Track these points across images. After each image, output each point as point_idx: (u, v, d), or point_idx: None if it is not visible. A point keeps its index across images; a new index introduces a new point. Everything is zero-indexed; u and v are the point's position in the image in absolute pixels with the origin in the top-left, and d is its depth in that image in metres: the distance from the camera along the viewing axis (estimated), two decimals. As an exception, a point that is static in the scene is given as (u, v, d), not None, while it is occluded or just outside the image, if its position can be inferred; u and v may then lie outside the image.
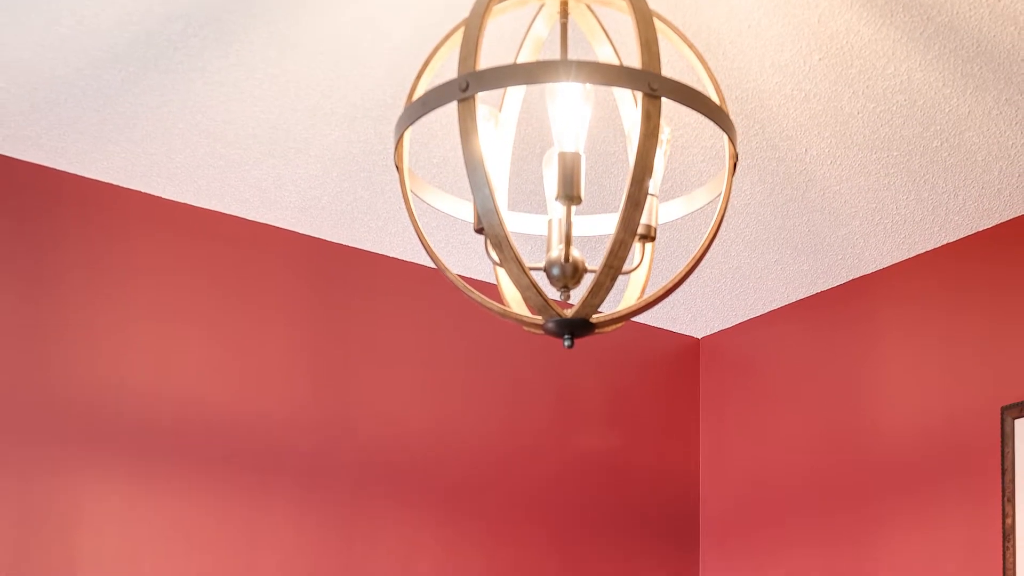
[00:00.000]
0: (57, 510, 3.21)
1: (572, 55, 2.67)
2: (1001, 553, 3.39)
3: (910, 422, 3.67)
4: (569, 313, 2.10)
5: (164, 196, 3.41)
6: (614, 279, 2.03)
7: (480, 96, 2.42)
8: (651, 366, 4.27)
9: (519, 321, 2.19)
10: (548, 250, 2.15)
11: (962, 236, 3.57)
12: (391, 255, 3.76)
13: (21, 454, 3.17)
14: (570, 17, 2.24)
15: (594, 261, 3.73)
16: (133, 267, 3.36)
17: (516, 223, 2.37)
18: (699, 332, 4.34)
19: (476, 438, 3.88)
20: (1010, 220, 3.46)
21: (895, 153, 3.13)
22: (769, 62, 2.74)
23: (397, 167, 2.17)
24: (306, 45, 2.73)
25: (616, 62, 2.16)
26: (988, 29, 2.62)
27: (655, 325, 4.28)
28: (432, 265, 3.82)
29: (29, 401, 3.19)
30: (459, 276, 3.54)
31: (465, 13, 2.60)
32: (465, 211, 2.31)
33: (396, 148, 2.15)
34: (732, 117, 2.96)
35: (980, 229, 3.52)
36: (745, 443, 4.19)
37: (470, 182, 1.95)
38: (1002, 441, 3.40)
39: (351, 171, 3.27)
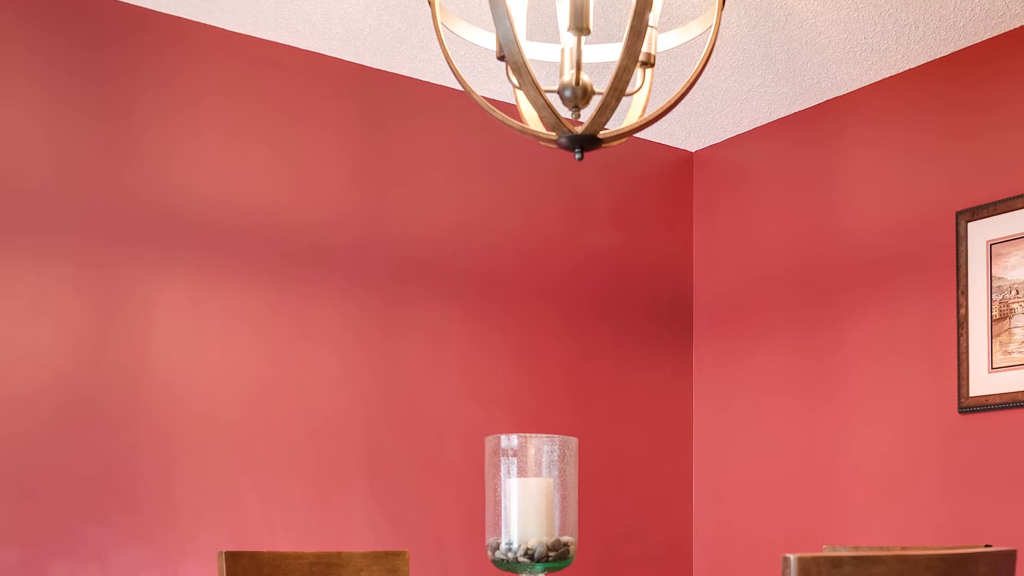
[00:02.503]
0: (134, 300, 3.26)
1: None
2: (956, 338, 3.44)
3: (877, 225, 3.68)
4: (579, 130, 2.12)
5: (227, 28, 3.40)
6: (619, 100, 2.04)
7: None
8: (651, 176, 4.26)
9: (536, 137, 2.21)
10: (561, 75, 2.16)
11: (922, 63, 3.56)
12: (424, 79, 3.74)
13: (104, 252, 3.21)
14: None
15: (601, 84, 3.69)
16: (200, 90, 3.37)
17: (533, 51, 2.37)
18: (692, 146, 4.32)
19: (498, 238, 3.90)
20: (964, 49, 3.45)
21: (864, -11, 3.14)
22: (755, -92, 2.74)
23: (429, 2, 2.18)
24: None
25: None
26: None
27: (654, 140, 4.26)
28: (460, 88, 3.81)
29: (111, 206, 3.22)
30: (483, 97, 3.54)
31: None
32: (488, 40, 2.31)
33: (430, -14, 2.18)
34: (722, -43, 2.96)
35: (937, 57, 3.51)
36: (732, 242, 4.20)
37: (493, 15, 1.96)
38: (957, 241, 3.43)
39: (389, 5, 3.26)
